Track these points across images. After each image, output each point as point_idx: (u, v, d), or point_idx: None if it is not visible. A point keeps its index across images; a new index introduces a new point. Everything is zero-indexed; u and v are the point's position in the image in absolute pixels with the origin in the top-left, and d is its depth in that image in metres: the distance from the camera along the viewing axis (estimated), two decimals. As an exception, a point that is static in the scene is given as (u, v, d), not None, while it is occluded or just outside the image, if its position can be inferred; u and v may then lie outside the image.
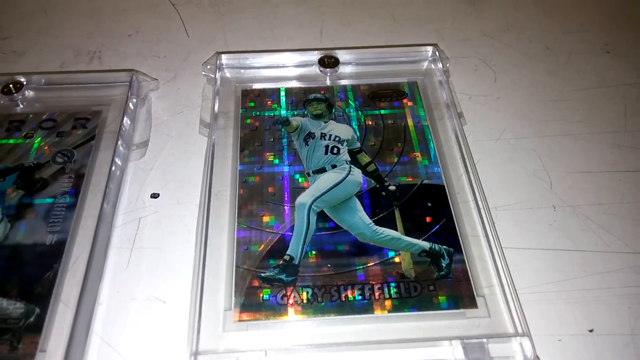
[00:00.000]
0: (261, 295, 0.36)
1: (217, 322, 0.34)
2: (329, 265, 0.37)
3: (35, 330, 0.34)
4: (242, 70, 0.51)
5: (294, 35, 0.59)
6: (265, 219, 0.40)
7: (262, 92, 0.50)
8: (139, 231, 0.42)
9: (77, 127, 0.46)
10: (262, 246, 0.38)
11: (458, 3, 0.62)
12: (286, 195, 0.41)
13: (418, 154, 0.44)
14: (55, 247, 0.38)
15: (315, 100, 0.48)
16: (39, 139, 0.45)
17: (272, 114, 0.48)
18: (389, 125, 0.47)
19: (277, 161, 0.44)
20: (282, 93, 0.50)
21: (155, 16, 0.62)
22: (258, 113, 0.48)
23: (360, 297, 0.36)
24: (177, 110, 0.51)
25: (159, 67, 0.55)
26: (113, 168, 0.43)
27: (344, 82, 0.51)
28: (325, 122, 0.46)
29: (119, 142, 0.45)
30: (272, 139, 0.46)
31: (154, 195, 0.44)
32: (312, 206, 0.40)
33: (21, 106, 0.48)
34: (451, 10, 0.61)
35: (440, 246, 0.38)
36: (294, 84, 0.51)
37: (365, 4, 0.63)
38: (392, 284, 0.36)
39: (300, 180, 0.43)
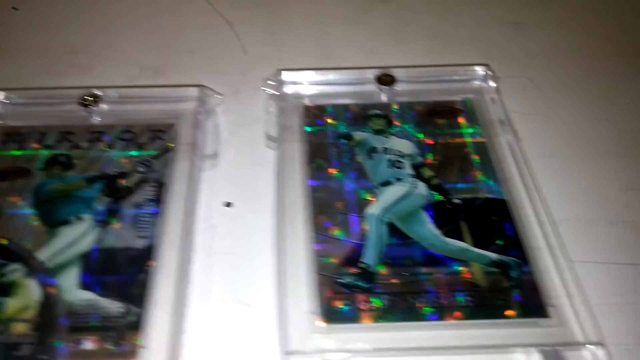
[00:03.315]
0: (340, 301, 0.38)
1: (303, 325, 0.37)
2: (401, 274, 0.40)
3: (135, 328, 0.37)
4: (303, 87, 0.54)
5: (346, 53, 0.62)
6: (336, 231, 0.42)
7: (322, 108, 0.52)
8: (216, 238, 0.44)
9: (154, 139, 0.49)
10: (337, 256, 0.41)
11: (504, 25, 0.65)
12: (353, 209, 0.44)
13: (478, 170, 0.47)
14: (146, 251, 0.41)
15: (375, 116, 0.51)
16: (120, 149, 0.48)
17: (334, 130, 0.50)
18: (446, 143, 0.49)
19: (341, 176, 0.46)
20: (341, 109, 0.52)
21: (213, 34, 0.65)
22: (320, 129, 0.50)
23: (431, 306, 0.38)
24: (241, 124, 0.54)
25: (220, 82, 0.57)
26: (190, 178, 0.46)
27: (400, 99, 0.53)
28: (386, 137, 0.49)
29: (194, 154, 0.47)
30: (336, 154, 0.48)
31: (227, 205, 0.46)
32: (382, 217, 0.43)
33: (97, 118, 0.51)
34: (497, 31, 0.64)
35: (509, 257, 0.40)
36: (352, 100, 0.53)
37: (414, 25, 0.65)
38: (463, 294, 0.39)
39: (364, 195, 0.45)
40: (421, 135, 0.50)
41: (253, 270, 0.42)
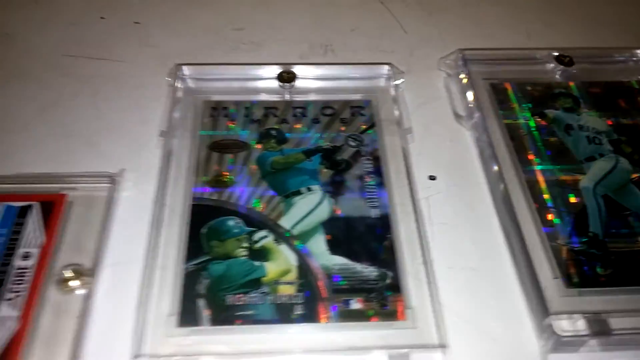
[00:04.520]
0: (580, 266, 0.41)
1: (552, 288, 0.40)
2: (625, 242, 0.42)
3: (395, 290, 0.40)
4: (484, 66, 0.56)
5: (500, 34, 0.64)
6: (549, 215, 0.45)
7: (501, 88, 0.54)
8: (431, 209, 0.47)
9: (355, 115, 0.51)
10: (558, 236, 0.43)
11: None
12: (554, 189, 0.46)
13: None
14: (382, 220, 0.44)
15: (562, 95, 0.53)
16: (324, 124, 0.51)
17: (523, 109, 0.52)
18: (633, 123, 0.51)
19: (538, 160, 0.48)
20: (521, 90, 0.54)
21: (368, 13, 0.67)
22: (508, 111, 0.52)
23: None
24: (422, 101, 0.56)
25: (391, 61, 0.59)
26: (401, 152, 0.48)
27: (575, 80, 0.55)
28: (578, 115, 0.51)
29: (395, 128, 0.50)
30: (527, 133, 0.50)
31: (432, 178, 0.49)
32: (596, 190, 0.45)
33: (290, 96, 0.54)
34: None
35: None
36: (527, 78, 0.55)
37: (561, 5, 0.67)
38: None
39: (559, 175, 0.47)
40: (599, 117, 0.51)
41: (472, 238, 0.45)
